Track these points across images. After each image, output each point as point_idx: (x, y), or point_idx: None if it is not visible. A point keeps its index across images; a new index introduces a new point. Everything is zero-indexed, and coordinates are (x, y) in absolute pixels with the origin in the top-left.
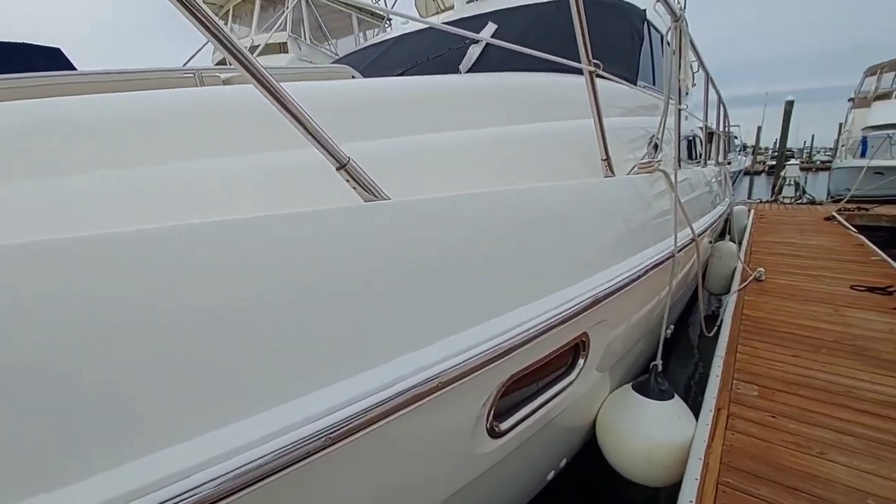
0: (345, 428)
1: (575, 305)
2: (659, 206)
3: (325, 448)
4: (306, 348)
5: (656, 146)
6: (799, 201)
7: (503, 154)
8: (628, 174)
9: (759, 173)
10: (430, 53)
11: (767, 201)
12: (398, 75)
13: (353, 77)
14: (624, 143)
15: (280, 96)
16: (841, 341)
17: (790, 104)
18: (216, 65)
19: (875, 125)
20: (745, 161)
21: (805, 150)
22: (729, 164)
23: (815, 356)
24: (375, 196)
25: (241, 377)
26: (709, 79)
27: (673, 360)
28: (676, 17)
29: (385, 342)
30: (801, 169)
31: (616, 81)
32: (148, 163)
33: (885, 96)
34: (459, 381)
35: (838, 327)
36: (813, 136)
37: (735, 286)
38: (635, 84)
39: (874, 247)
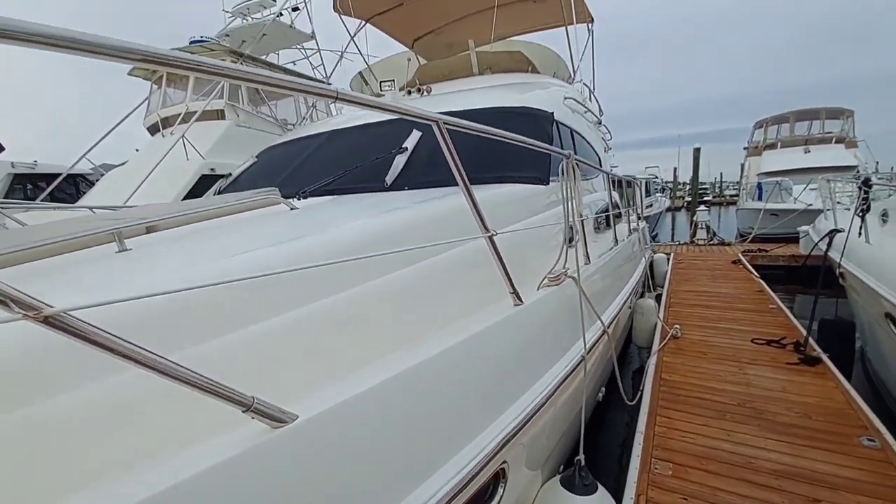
0: None
1: (486, 454)
2: (570, 313)
3: None
4: None
5: (568, 238)
6: (711, 242)
7: (421, 295)
8: (539, 287)
9: (679, 209)
10: (359, 156)
11: (685, 243)
12: (325, 186)
13: (281, 203)
14: (542, 239)
15: (155, 364)
16: (743, 404)
17: (697, 150)
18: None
19: (767, 171)
20: (666, 202)
21: (717, 185)
22: (650, 206)
23: (721, 424)
24: (284, 421)
25: None
26: (609, 176)
27: (604, 428)
28: (567, 156)
29: None
30: (715, 204)
31: (529, 184)
32: None
33: (773, 146)
34: None
35: (741, 388)
36: (721, 173)
37: (655, 345)
38: (547, 182)
39: (772, 293)
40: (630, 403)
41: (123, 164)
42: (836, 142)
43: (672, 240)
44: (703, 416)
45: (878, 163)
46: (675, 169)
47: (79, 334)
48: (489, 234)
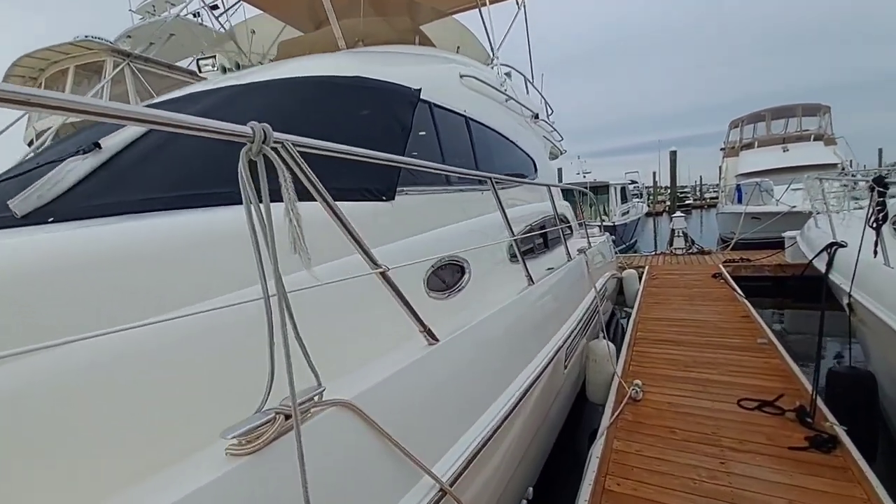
0: None
1: None
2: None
3: None
4: None
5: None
6: (690, 251)
7: None
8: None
9: (660, 214)
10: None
11: (661, 253)
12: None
13: None
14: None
15: None
16: None
17: (674, 154)
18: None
19: (745, 172)
20: (644, 207)
21: (697, 188)
22: (626, 213)
23: None
24: None
25: None
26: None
27: None
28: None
29: None
30: (696, 207)
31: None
32: None
33: (750, 146)
34: None
35: (728, 501)
36: (701, 176)
37: (606, 418)
38: (393, 197)
39: (759, 319)
40: None
41: None
42: (815, 139)
43: (654, 247)
44: None
45: (851, 161)
46: (654, 173)
47: None
48: None
